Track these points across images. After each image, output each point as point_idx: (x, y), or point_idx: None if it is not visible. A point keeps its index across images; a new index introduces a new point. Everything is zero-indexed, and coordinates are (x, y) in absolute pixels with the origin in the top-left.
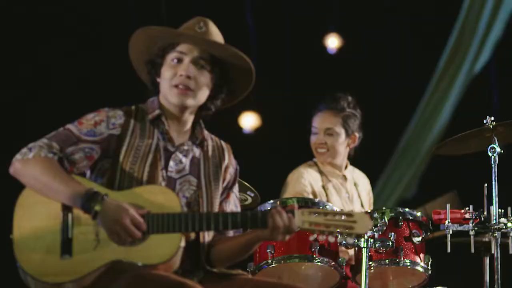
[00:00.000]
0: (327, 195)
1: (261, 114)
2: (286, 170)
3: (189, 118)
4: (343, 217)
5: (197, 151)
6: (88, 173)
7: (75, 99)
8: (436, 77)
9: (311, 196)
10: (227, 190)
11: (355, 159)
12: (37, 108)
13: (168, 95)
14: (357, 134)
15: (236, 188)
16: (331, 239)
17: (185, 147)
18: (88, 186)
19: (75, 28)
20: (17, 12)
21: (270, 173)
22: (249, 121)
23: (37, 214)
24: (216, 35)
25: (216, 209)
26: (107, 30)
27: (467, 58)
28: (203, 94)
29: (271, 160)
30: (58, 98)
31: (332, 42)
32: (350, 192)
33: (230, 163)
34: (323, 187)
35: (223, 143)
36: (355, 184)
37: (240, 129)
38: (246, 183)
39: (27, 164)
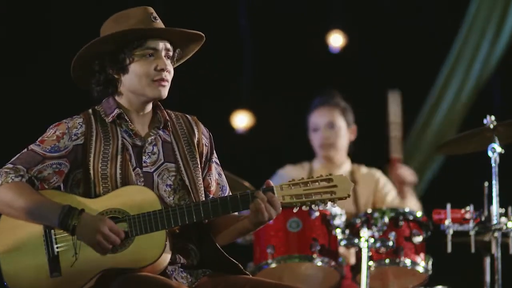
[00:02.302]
0: None
1: (254, 113)
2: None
3: (150, 107)
4: (322, 183)
5: (164, 135)
6: (61, 187)
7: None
8: (442, 80)
9: None
10: (207, 162)
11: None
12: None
13: (144, 90)
14: (354, 126)
15: (214, 156)
16: (315, 208)
17: (152, 136)
18: (62, 203)
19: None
20: None
21: (265, 172)
22: (241, 120)
23: (19, 235)
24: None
25: (201, 188)
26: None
27: (476, 61)
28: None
29: (266, 159)
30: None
31: (336, 40)
32: None
33: (201, 135)
34: None
35: (189, 117)
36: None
37: (232, 129)
38: (246, 183)
39: None
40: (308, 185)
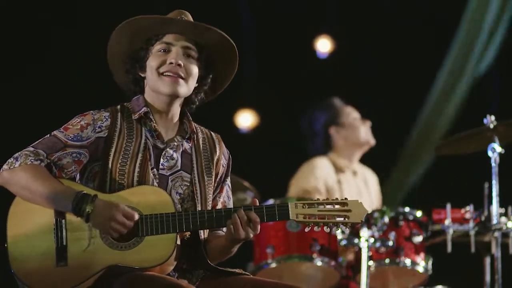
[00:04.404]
0: (341, 189)
1: (258, 112)
2: (283, 169)
3: (176, 112)
4: (337, 207)
5: (187, 145)
6: (77, 178)
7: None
8: (440, 81)
9: (322, 191)
10: (221, 183)
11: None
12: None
13: (157, 85)
14: None
15: (228, 179)
16: (326, 229)
17: (175, 143)
18: (78, 189)
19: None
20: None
21: (267, 172)
22: (245, 119)
23: (30, 222)
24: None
25: (210, 203)
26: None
27: (471, 60)
28: (193, 83)
29: (268, 159)
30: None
31: (323, 45)
32: (359, 187)
33: (221, 154)
34: (338, 181)
35: (213, 134)
36: (364, 180)
37: (236, 128)
38: (246, 184)
39: (15, 173)
40: (323, 206)
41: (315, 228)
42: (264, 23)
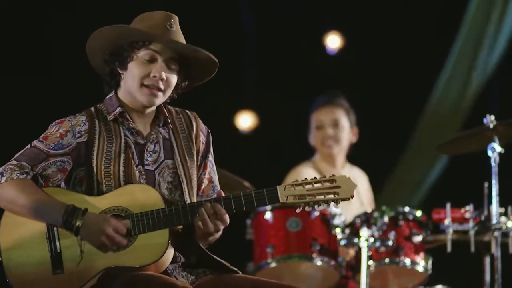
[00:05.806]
0: None
1: (257, 113)
2: (283, 170)
3: (151, 110)
4: (325, 184)
5: (164, 132)
6: (62, 184)
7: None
8: (443, 80)
9: None
10: (203, 160)
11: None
12: None
13: (135, 92)
14: (356, 128)
15: (211, 154)
16: (317, 208)
17: (154, 135)
18: (66, 203)
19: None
20: None
21: (267, 172)
22: (245, 120)
23: (22, 232)
24: (181, 32)
25: (195, 184)
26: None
27: (479, 58)
28: (169, 92)
29: (268, 159)
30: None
31: (333, 41)
32: None
33: (199, 131)
34: None
35: (188, 112)
36: None
37: (236, 129)
38: (246, 184)
39: (2, 189)
40: (311, 185)
41: (306, 208)
42: (264, 23)
